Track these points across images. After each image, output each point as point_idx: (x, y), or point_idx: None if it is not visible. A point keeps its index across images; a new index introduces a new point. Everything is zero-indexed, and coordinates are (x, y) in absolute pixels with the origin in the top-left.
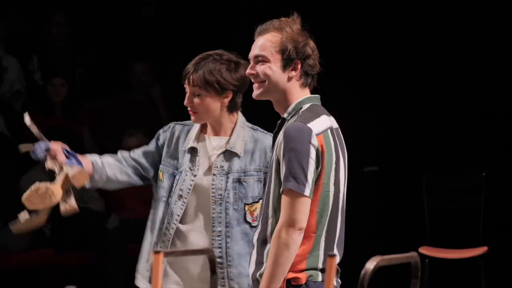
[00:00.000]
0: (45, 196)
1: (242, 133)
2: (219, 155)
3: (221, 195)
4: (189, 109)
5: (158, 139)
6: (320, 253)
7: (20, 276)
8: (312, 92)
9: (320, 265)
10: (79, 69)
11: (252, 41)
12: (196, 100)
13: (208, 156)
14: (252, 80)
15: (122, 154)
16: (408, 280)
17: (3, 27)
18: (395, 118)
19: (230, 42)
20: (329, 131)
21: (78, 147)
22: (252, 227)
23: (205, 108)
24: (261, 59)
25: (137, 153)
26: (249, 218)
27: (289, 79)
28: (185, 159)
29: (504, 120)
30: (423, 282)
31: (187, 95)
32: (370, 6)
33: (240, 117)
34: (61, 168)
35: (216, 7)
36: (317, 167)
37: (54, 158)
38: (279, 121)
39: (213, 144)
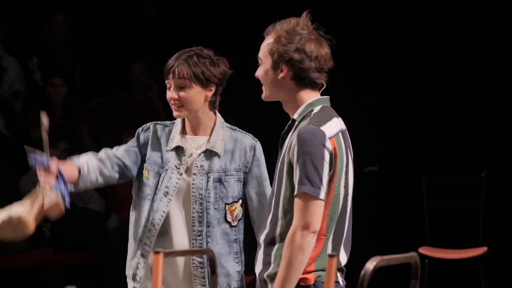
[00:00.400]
0: (18, 228)
1: (221, 132)
2: (200, 154)
3: (201, 194)
4: (172, 103)
5: (138, 138)
6: (327, 255)
7: (20, 276)
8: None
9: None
10: (78, 69)
11: (251, 40)
12: (181, 93)
13: (189, 155)
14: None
15: (106, 152)
16: (408, 280)
17: (2, 27)
18: (395, 118)
19: (230, 42)
20: (340, 134)
21: (77, 146)
22: (232, 226)
23: (190, 101)
24: (259, 62)
25: (121, 152)
26: (229, 218)
27: (282, 80)
28: (170, 157)
29: (504, 120)
30: (422, 282)
31: (171, 89)
32: (370, 8)
33: (218, 117)
34: (42, 189)
35: (216, 7)
36: (329, 170)
37: (45, 175)
38: (289, 122)
39: (192, 144)
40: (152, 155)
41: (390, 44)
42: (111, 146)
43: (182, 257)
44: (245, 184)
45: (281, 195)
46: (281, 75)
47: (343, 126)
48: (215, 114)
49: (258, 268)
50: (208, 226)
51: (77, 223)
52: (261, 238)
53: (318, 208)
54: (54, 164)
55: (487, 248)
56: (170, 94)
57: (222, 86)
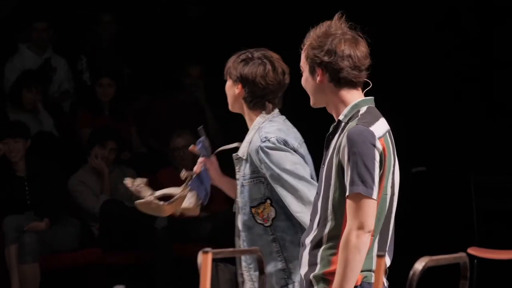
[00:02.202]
0: (155, 210)
1: (251, 135)
2: (235, 160)
3: (238, 201)
4: None
5: None
6: (373, 255)
7: (69, 275)
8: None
9: (374, 267)
10: (126, 69)
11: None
12: None
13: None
14: None
15: None
16: (457, 281)
17: (52, 27)
18: (443, 119)
19: (278, 41)
20: (387, 134)
21: (125, 146)
22: (266, 227)
23: (226, 92)
24: (301, 70)
25: None
26: (259, 220)
27: (321, 84)
28: None
29: None
30: (471, 283)
31: None
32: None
33: (258, 118)
34: (185, 187)
35: (261, 6)
36: (380, 170)
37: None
38: (334, 124)
39: None
40: None
41: (423, 42)
42: (159, 146)
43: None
44: (268, 183)
45: (330, 197)
46: (318, 79)
47: (388, 126)
48: (257, 114)
49: (303, 269)
50: (244, 231)
51: (126, 223)
52: (307, 240)
53: (371, 208)
54: (208, 162)
55: None
56: None
57: (252, 87)
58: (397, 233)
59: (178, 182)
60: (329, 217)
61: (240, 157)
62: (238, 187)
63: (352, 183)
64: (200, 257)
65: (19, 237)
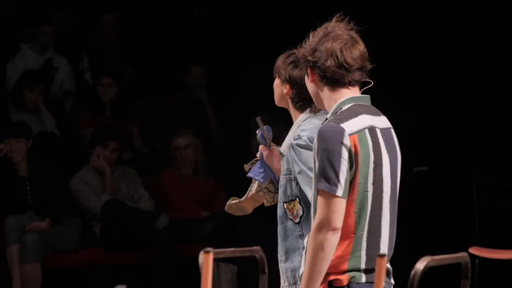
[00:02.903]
0: (239, 211)
1: (293, 131)
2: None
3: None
4: None
5: None
6: (362, 254)
7: (71, 275)
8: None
9: (363, 266)
10: (128, 69)
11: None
12: None
13: None
14: None
15: None
16: (458, 281)
17: (54, 27)
18: (445, 118)
19: (281, 39)
20: (367, 130)
21: (127, 146)
22: (295, 223)
23: (274, 89)
24: None
25: None
26: (290, 216)
27: (314, 83)
28: None
29: None
30: (473, 282)
31: None
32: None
33: (300, 116)
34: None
35: (263, 7)
36: (350, 168)
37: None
38: (323, 122)
39: None
40: None
41: (437, 41)
42: (161, 146)
43: None
44: (297, 182)
45: (313, 196)
46: (310, 79)
47: (380, 124)
48: (301, 113)
49: (301, 269)
50: (279, 223)
51: (127, 223)
52: (305, 240)
53: (336, 205)
54: (266, 151)
55: None
56: None
57: (299, 89)
58: (398, 233)
59: (180, 182)
60: (312, 215)
61: (281, 153)
62: (279, 181)
63: (318, 180)
64: (202, 257)
65: (21, 237)
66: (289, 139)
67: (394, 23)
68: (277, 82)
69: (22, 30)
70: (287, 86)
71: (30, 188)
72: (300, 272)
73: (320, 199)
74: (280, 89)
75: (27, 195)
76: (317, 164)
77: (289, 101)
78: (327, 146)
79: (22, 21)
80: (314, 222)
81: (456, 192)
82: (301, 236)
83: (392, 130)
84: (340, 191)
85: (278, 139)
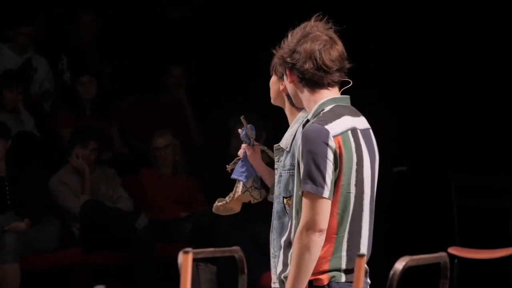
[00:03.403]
0: (227, 211)
1: (295, 127)
2: (275, 150)
3: (273, 189)
4: None
5: None
6: (342, 254)
7: (49, 275)
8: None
9: (343, 266)
10: (108, 69)
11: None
12: None
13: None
14: None
15: None
16: (437, 281)
17: (32, 27)
18: (423, 118)
19: (261, 39)
20: (349, 132)
21: (107, 147)
22: None
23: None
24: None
25: None
26: (288, 211)
27: (293, 84)
28: None
29: None
30: (452, 282)
31: None
32: (396, 4)
33: (301, 112)
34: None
35: (240, 7)
36: (335, 169)
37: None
38: (303, 123)
39: None
40: None
41: (419, 42)
42: (141, 146)
43: None
44: None
45: (294, 195)
46: (289, 79)
47: (360, 125)
48: (299, 110)
49: (279, 268)
50: (275, 219)
51: (107, 223)
52: (282, 240)
53: (322, 207)
54: (249, 150)
55: None
56: None
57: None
58: (377, 233)
59: (159, 182)
60: (293, 215)
61: (281, 148)
62: (276, 176)
63: (303, 181)
64: (181, 257)
65: (0, 237)
66: (291, 134)
67: (378, 24)
68: (273, 79)
69: (2, 31)
70: (284, 83)
71: (9, 188)
72: (282, 274)
73: (305, 201)
74: (276, 86)
75: (6, 195)
76: (302, 165)
77: (286, 98)
78: (313, 148)
79: (2, 22)
80: (300, 224)
81: (435, 192)
82: None
83: (371, 131)
84: (326, 193)
85: (258, 139)
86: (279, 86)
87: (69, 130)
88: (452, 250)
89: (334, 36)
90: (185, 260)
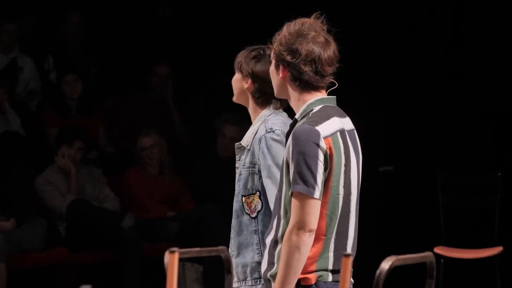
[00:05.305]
0: None
1: (257, 125)
2: (237, 149)
3: (234, 189)
4: None
5: None
6: (330, 255)
7: (36, 275)
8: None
9: (330, 267)
10: (94, 68)
11: (267, 38)
12: None
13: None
14: None
15: None
16: (423, 280)
17: (18, 26)
18: (410, 118)
19: (247, 40)
20: (338, 133)
21: (93, 146)
22: (251, 218)
23: (233, 84)
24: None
25: None
26: (247, 210)
27: (283, 80)
28: None
29: None
30: (438, 282)
31: None
32: (381, 5)
33: (264, 111)
34: None
35: (229, 6)
36: (325, 170)
37: None
38: (291, 122)
39: None
40: None
41: (399, 41)
42: (126, 145)
43: None
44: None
45: (282, 195)
46: (281, 75)
47: (347, 126)
48: (262, 108)
49: (263, 267)
50: (234, 218)
51: (93, 223)
52: (268, 238)
53: (313, 207)
54: None
55: (502, 248)
56: None
57: (262, 84)
58: (363, 232)
59: (145, 182)
60: (282, 215)
61: (242, 146)
62: (237, 175)
63: (294, 181)
64: (167, 256)
65: None
66: (253, 133)
67: (362, 24)
68: (237, 77)
69: None
70: (249, 81)
71: None
72: (268, 273)
73: (296, 201)
74: (240, 84)
75: None
76: (292, 166)
77: (250, 96)
78: (304, 149)
79: None
80: (290, 224)
81: (421, 192)
82: (256, 232)
83: (355, 132)
84: (317, 194)
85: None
86: (243, 84)
87: (55, 129)
88: (438, 250)
89: (329, 37)
90: (171, 260)
